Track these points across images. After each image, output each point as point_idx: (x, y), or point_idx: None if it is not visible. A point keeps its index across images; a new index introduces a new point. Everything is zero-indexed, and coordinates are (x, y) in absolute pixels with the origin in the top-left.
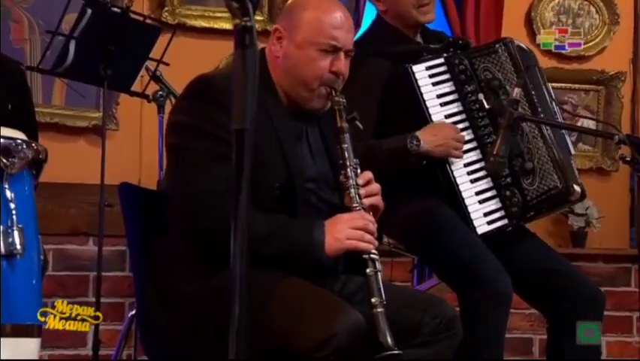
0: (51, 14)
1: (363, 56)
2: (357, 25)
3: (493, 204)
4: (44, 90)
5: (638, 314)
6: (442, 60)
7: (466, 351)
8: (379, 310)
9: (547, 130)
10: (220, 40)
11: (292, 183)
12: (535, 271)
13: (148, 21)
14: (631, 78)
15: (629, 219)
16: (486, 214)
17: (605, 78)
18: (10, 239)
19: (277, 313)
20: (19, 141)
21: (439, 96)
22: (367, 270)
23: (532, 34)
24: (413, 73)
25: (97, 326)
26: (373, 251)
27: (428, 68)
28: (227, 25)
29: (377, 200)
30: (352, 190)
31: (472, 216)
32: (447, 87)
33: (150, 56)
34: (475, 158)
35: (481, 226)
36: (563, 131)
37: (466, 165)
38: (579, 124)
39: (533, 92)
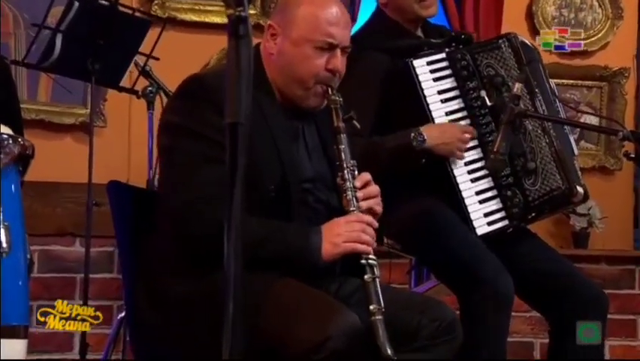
0: (37, 7)
1: (362, 51)
2: (354, 19)
3: (493, 205)
4: (29, 86)
5: None
6: (443, 55)
7: (466, 355)
8: (378, 317)
9: (550, 128)
10: (211, 34)
11: (287, 184)
12: (536, 273)
13: (137, 14)
14: (635, 74)
15: (633, 219)
16: (486, 215)
17: (608, 74)
18: None
19: (272, 315)
20: (5, 136)
21: (440, 92)
22: (365, 276)
23: (533, 29)
24: (414, 68)
25: None
26: (371, 257)
27: (429, 63)
28: (219, 19)
29: (376, 202)
30: (349, 193)
31: (472, 216)
32: (448, 83)
33: (139, 50)
34: (475, 157)
35: (481, 227)
36: (567, 131)
37: (467, 163)
38: (582, 121)
39: (537, 90)
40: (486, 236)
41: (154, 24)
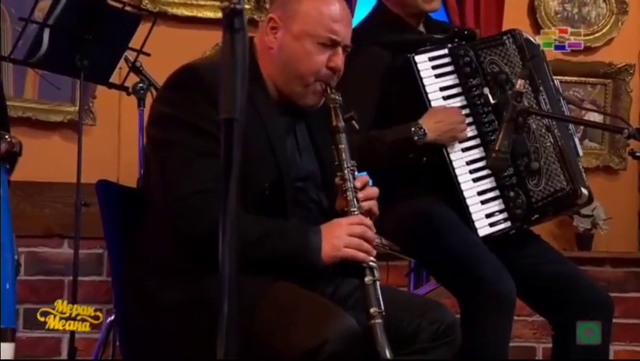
0: (23, 1)
1: (362, 45)
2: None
3: (495, 206)
4: (16, 82)
5: None
6: (446, 51)
7: (466, 359)
8: (378, 321)
9: (554, 128)
10: (204, 29)
11: (282, 182)
12: (539, 275)
13: (127, 8)
14: None
15: (638, 220)
16: (488, 216)
17: (613, 71)
18: None
19: (267, 319)
20: None
21: (442, 89)
22: (366, 278)
23: (535, 24)
24: (415, 63)
25: (72, 334)
26: (372, 259)
27: (431, 59)
28: (211, 14)
29: (374, 204)
30: (350, 193)
31: (474, 217)
32: (450, 80)
33: (130, 45)
34: (478, 156)
35: (483, 228)
36: (571, 131)
37: (469, 162)
38: (586, 119)
39: (541, 87)
40: (488, 238)
41: (145, 18)
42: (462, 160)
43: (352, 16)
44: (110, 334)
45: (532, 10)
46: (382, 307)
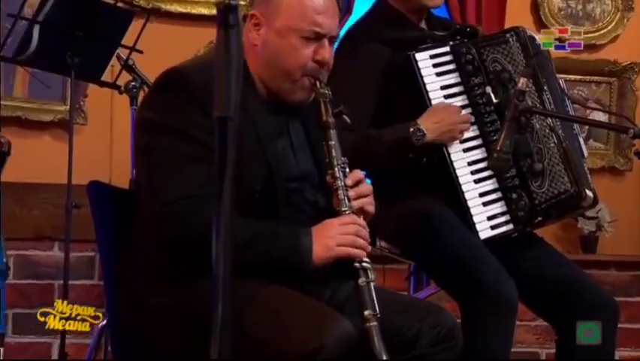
0: None
1: (361, 41)
2: (349, 12)
3: (497, 208)
4: (5, 81)
5: None
6: (447, 49)
7: None
8: (373, 323)
9: (559, 128)
10: (198, 26)
11: (273, 184)
12: (543, 278)
13: (119, 5)
14: None
15: None
16: (490, 218)
17: (618, 69)
18: None
19: (260, 323)
20: None
21: (443, 88)
22: (359, 280)
23: (539, 21)
24: (416, 61)
25: (63, 338)
26: (365, 259)
27: (432, 57)
28: (206, 11)
29: (368, 202)
30: (341, 192)
31: (475, 219)
32: (452, 78)
33: (122, 43)
34: (479, 156)
35: (484, 231)
36: (576, 131)
37: (470, 163)
38: (590, 118)
39: (545, 86)
40: (489, 240)
41: (137, 15)
42: (463, 161)
43: (351, 11)
44: (102, 338)
45: (535, 7)
46: (377, 310)
